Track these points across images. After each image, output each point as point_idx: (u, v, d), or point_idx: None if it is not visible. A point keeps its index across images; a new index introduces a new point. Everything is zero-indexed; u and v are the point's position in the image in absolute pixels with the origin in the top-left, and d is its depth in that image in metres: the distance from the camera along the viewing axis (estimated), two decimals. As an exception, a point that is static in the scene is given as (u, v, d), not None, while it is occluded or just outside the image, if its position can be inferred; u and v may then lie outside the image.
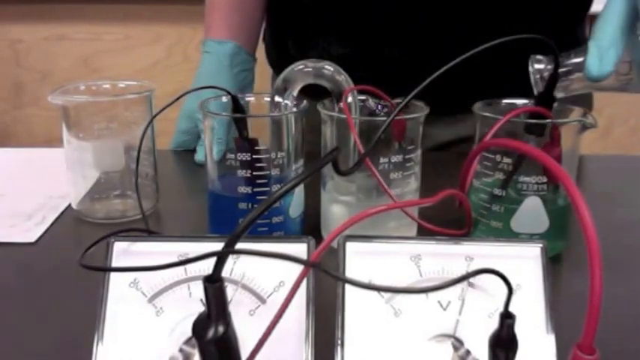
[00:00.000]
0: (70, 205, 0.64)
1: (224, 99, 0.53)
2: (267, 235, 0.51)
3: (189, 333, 0.31)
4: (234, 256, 0.35)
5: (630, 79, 0.50)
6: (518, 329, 0.30)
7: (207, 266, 0.31)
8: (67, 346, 0.43)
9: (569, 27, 0.81)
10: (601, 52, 0.47)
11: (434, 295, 0.35)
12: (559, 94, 0.52)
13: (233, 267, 0.35)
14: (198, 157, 0.79)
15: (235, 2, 0.86)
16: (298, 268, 0.31)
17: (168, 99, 0.51)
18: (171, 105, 0.51)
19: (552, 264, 0.36)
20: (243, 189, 0.51)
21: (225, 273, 0.29)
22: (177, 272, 0.35)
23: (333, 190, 0.55)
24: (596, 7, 0.82)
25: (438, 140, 0.83)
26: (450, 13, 0.75)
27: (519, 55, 0.55)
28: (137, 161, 0.54)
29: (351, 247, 0.36)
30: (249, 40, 0.87)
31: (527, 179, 0.50)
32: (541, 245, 0.36)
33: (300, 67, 0.52)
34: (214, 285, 0.29)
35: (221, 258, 0.29)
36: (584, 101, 0.85)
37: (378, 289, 0.34)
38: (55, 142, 0.67)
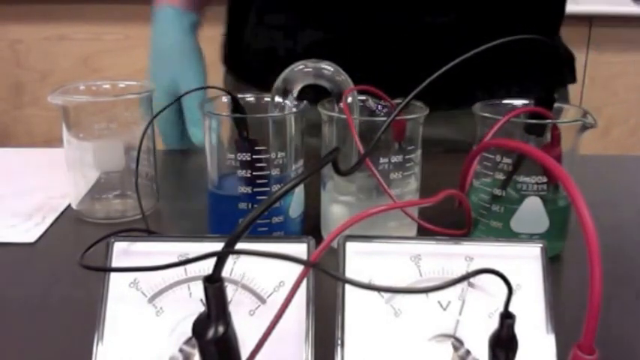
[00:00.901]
0: (70, 205, 0.64)
1: (224, 99, 0.53)
2: (267, 235, 0.51)
3: (189, 333, 0.31)
4: (234, 256, 0.35)
5: None
6: (518, 329, 0.30)
7: (207, 266, 0.31)
8: (67, 346, 0.42)
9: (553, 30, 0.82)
10: None
11: (434, 295, 0.35)
12: None
13: (233, 267, 0.35)
14: (195, 139, 0.75)
15: None
16: (298, 268, 0.31)
17: (168, 99, 0.51)
18: (171, 105, 0.51)
19: (552, 264, 0.36)
20: (243, 189, 0.51)
21: (225, 273, 0.29)
22: (177, 272, 0.35)
23: (333, 190, 0.55)
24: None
25: (436, 137, 0.83)
26: (450, 13, 0.75)
27: (519, 55, 0.55)
28: (137, 161, 0.54)
29: (351, 247, 0.36)
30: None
31: (527, 179, 0.50)
32: (541, 245, 0.36)
33: (300, 67, 0.52)
34: (214, 285, 0.29)
35: (221, 258, 0.29)
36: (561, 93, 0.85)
37: (378, 289, 0.34)
38: (55, 142, 0.67)
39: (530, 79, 0.54)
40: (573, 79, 0.86)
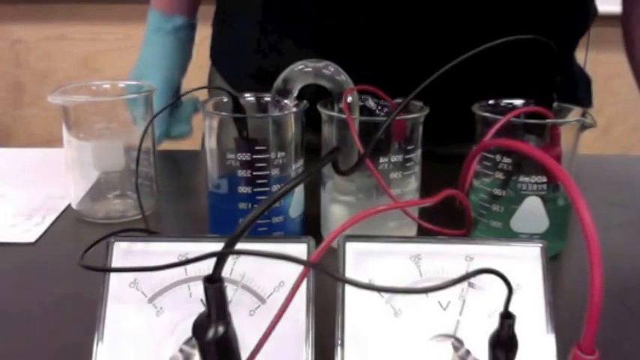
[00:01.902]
0: (70, 205, 0.64)
1: (224, 99, 0.53)
2: (267, 235, 0.51)
3: (189, 333, 0.31)
4: (234, 256, 0.35)
5: None
6: (518, 329, 0.30)
7: (207, 266, 0.31)
8: (67, 346, 0.42)
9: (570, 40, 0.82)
10: None
11: (434, 295, 0.35)
12: None
13: (233, 267, 0.35)
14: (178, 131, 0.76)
15: None
16: (298, 268, 0.31)
17: (168, 99, 0.51)
18: (171, 105, 0.51)
19: (552, 264, 0.36)
20: (243, 189, 0.51)
21: (225, 273, 0.30)
22: (177, 272, 0.35)
23: (333, 190, 0.55)
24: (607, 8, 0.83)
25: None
26: (451, 13, 0.75)
27: (520, 56, 0.55)
28: (137, 161, 0.54)
29: (351, 247, 0.36)
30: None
31: (527, 179, 0.50)
32: (541, 245, 0.36)
33: (300, 67, 0.52)
34: (214, 285, 0.29)
35: (221, 258, 0.29)
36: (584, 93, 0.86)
37: (378, 289, 0.34)
38: (55, 142, 0.67)
39: (531, 81, 0.54)
40: (590, 103, 0.86)
